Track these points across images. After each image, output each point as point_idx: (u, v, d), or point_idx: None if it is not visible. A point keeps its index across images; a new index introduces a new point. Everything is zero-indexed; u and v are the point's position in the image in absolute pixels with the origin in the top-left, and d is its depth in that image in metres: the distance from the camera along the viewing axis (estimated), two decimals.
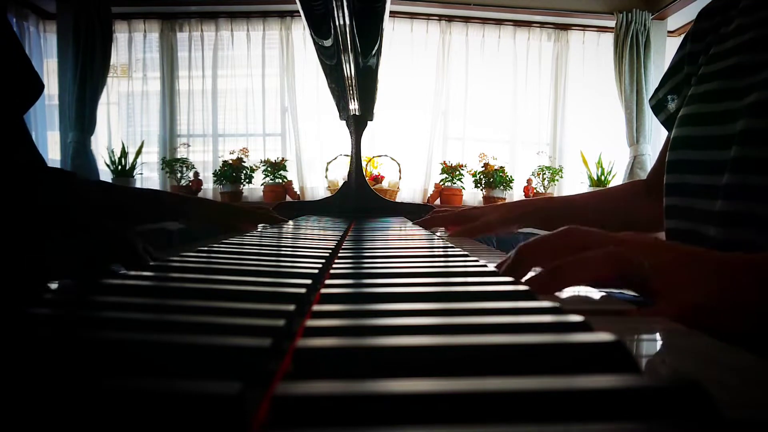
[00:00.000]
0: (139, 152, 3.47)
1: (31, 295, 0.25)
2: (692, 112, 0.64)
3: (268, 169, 3.42)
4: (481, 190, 3.47)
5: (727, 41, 0.63)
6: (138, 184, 3.47)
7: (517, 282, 0.34)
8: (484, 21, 3.56)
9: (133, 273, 0.34)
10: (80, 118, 3.27)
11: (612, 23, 3.47)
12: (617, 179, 3.51)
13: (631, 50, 3.39)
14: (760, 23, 0.59)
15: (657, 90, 0.78)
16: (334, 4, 0.77)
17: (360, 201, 1.48)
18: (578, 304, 0.33)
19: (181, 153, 3.54)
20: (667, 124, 0.75)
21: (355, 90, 1.21)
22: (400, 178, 3.46)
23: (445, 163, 3.50)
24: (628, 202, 0.86)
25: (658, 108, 0.78)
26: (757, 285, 0.33)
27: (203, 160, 3.57)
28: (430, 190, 3.54)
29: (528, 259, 0.39)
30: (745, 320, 0.32)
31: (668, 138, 0.77)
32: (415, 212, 1.44)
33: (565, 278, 0.35)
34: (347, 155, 1.48)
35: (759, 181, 0.53)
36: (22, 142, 0.51)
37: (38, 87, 0.49)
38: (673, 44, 3.62)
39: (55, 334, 0.20)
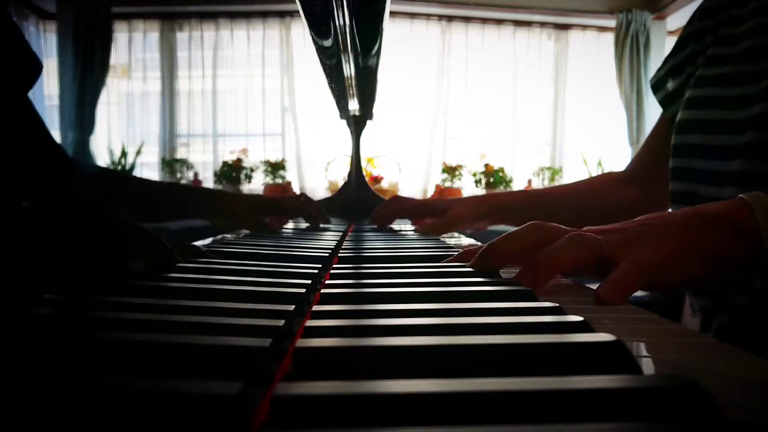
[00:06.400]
0: (138, 152, 3.47)
1: (31, 295, 0.25)
2: (701, 95, 0.61)
3: (268, 169, 3.42)
4: (482, 190, 3.47)
5: (743, 24, 0.59)
6: None
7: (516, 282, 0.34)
8: (484, 21, 3.56)
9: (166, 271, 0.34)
10: (80, 118, 3.27)
11: (612, 23, 3.47)
12: None
13: (631, 50, 3.39)
14: None
15: (659, 69, 0.76)
16: (334, 4, 0.77)
17: (360, 201, 1.48)
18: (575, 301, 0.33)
19: (180, 153, 3.54)
20: (664, 103, 0.72)
21: (355, 90, 1.20)
22: (400, 178, 3.46)
23: (445, 163, 3.50)
24: (603, 193, 0.82)
25: (657, 86, 0.75)
26: (704, 237, 0.37)
27: (203, 160, 3.57)
28: (430, 190, 3.54)
29: (496, 257, 0.41)
30: (685, 272, 0.37)
31: (659, 122, 0.74)
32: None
33: (546, 270, 0.37)
34: (347, 155, 1.48)
35: None
36: (35, 130, 0.51)
37: (37, 66, 0.48)
38: (672, 44, 3.61)
39: (56, 334, 0.20)
